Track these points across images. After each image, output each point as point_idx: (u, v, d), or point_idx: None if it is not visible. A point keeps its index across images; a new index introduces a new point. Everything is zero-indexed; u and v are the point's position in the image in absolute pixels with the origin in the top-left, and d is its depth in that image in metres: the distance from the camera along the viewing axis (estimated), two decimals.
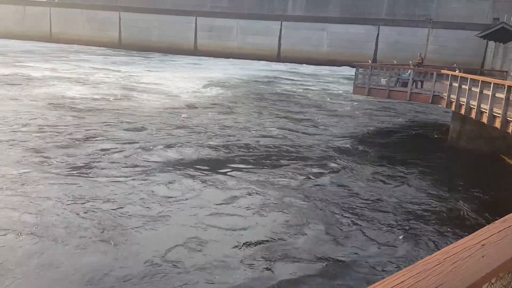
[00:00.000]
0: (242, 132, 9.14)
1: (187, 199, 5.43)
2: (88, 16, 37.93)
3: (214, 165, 6.95)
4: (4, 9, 39.67)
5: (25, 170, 5.91)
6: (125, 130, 8.72)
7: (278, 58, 34.36)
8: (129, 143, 7.82)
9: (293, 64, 31.48)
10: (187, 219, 4.91)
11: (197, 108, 11.27)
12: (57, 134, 7.79)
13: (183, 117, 10.24)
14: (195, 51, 35.62)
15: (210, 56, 33.78)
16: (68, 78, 13.66)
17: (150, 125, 9.20)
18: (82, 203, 5.05)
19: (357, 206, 5.65)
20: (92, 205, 4.98)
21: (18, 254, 3.89)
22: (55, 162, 6.30)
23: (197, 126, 9.46)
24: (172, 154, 7.41)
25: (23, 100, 9.89)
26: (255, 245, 4.40)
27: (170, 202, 5.27)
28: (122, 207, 4.99)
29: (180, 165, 6.86)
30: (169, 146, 7.83)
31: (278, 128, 9.68)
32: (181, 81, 15.75)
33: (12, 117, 8.30)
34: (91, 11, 38.09)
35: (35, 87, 11.55)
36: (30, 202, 4.94)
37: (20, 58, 19.80)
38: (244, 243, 4.39)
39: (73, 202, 5.06)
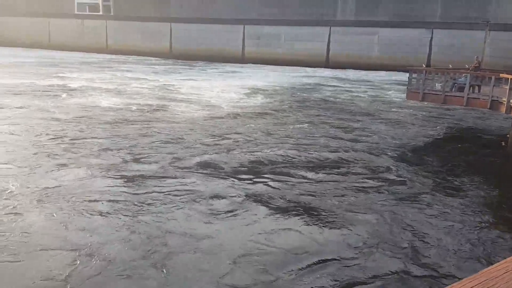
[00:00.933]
0: (292, 141, 8.67)
1: (249, 214, 5.22)
2: (141, 28, 39.38)
3: (266, 175, 6.71)
4: (66, 23, 42.01)
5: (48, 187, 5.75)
6: (160, 141, 8.20)
7: (327, 63, 34.06)
8: (168, 154, 7.39)
9: (341, 69, 31.05)
10: (245, 235, 4.74)
11: (239, 117, 10.66)
12: (85, 146, 7.60)
13: (225, 127, 9.59)
14: (242, 59, 35.99)
15: (257, 63, 34.03)
16: (106, 89, 13.72)
17: (187, 136, 8.65)
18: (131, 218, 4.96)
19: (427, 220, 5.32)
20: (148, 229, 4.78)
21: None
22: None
23: (241, 136, 8.81)
24: (218, 168, 6.86)
25: (54, 111, 9.96)
26: (323, 268, 4.17)
27: (228, 217, 5.07)
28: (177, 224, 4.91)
29: (233, 176, 6.51)
30: (212, 160, 7.20)
31: (331, 138, 9.11)
32: (222, 90, 15.38)
33: (41, 128, 8.35)
34: (144, 23, 39.53)
35: (70, 97, 11.73)
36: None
37: (67, 69, 20.42)
38: (309, 265, 4.18)
39: (115, 213, 5.06)
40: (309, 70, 29.32)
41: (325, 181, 6.44)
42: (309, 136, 9.26)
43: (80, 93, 12.39)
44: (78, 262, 3.86)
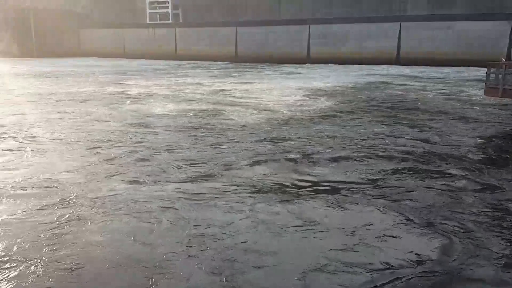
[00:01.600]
0: (367, 144, 7.59)
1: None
2: (208, 33, 40.33)
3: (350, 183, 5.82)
4: (138, 32, 44.17)
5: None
6: (213, 147, 7.28)
7: (397, 60, 32.68)
8: (224, 166, 6.21)
9: (413, 66, 29.62)
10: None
11: (302, 121, 9.48)
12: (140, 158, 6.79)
13: (292, 132, 8.36)
14: (308, 59, 35.55)
15: (323, 63, 33.43)
16: (163, 95, 13.31)
17: (240, 144, 7.48)
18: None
19: None
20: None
21: None
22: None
23: (306, 142, 7.69)
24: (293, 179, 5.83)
25: (109, 119, 9.57)
26: None
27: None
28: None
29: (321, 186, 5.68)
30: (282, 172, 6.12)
31: (411, 139, 7.99)
32: (281, 93, 14.34)
33: (96, 136, 7.91)
34: (211, 28, 40.46)
35: (127, 104, 11.42)
36: None
37: (133, 76, 20.61)
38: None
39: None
40: (377, 68, 27.82)
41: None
42: (386, 137, 8.12)
43: (137, 100, 12.12)
44: None
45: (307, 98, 12.95)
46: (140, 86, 15.78)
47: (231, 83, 17.59)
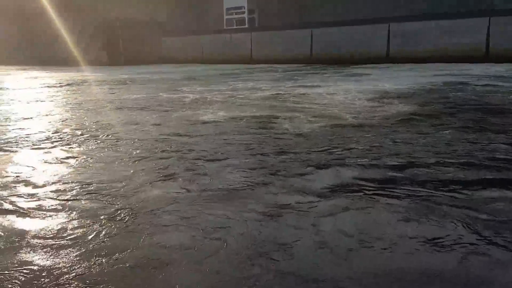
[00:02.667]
0: (454, 153, 6.04)
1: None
2: (283, 36, 40.18)
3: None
4: (216, 38, 45.28)
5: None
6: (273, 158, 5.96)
7: (486, 58, 30.06)
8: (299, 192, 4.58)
9: (504, 64, 27.00)
10: None
11: (366, 128, 7.85)
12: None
13: (350, 141, 6.83)
14: (387, 59, 33.97)
15: (403, 63, 31.77)
16: (217, 100, 12.52)
17: (305, 154, 6.11)
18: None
19: None
20: None
21: None
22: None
23: (380, 154, 6.05)
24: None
25: (154, 128, 8.83)
26: None
27: None
28: None
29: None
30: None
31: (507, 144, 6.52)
32: (345, 97, 12.91)
33: (146, 144, 7.20)
34: (286, 31, 40.28)
35: (179, 111, 10.89)
36: None
37: (199, 81, 20.28)
38: None
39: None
40: (457, 67, 25.53)
41: None
42: (474, 146, 6.43)
43: (191, 106, 11.68)
44: None
45: (376, 103, 11.22)
46: (199, 92, 15.38)
47: (300, 86, 16.31)
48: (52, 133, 8.22)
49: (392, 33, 34.27)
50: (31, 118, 10.03)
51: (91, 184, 4.91)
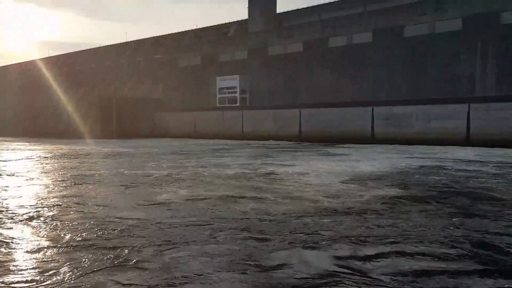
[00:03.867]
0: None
1: None
2: (273, 115, 41.66)
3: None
4: (208, 115, 46.78)
5: None
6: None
7: (467, 141, 31.21)
8: None
9: (485, 148, 27.97)
10: None
11: (343, 215, 7.54)
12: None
13: (333, 229, 6.53)
14: (372, 139, 35.08)
15: (387, 144, 32.77)
16: (185, 177, 12.20)
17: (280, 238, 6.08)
18: None
19: None
20: None
21: None
22: None
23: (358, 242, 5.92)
24: None
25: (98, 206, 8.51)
26: None
27: None
28: None
29: None
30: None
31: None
32: (318, 174, 12.64)
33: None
34: (276, 110, 41.86)
35: (138, 187, 10.63)
36: None
37: (189, 154, 20.74)
38: None
39: None
40: (439, 149, 26.26)
41: None
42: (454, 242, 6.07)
43: (156, 182, 11.44)
44: None
45: (352, 184, 10.91)
46: (172, 167, 14.89)
47: (278, 164, 16.20)
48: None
49: (376, 115, 35.73)
50: None
51: None
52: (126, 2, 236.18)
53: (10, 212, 8.01)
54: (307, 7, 51.68)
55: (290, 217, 7.49)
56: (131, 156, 20.92)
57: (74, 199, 9.33)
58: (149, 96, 54.47)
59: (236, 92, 48.83)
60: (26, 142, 37.43)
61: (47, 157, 20.69)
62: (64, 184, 11.56)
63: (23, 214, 7.85)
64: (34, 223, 7.17)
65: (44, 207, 8.49)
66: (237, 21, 56.95)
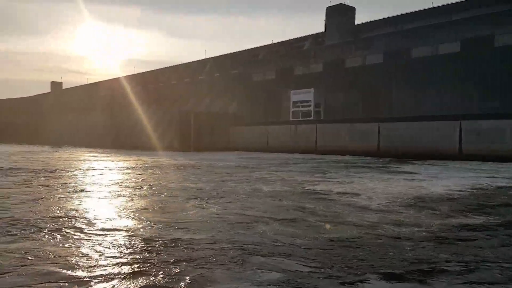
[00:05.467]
0: None
1: None
2: (348, 129, 40.00)
3: None
4: (281, 129, 46.22)
5: None
6: None
7: None
8: None
9: None
10: None
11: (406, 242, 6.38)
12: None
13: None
14: (459, 155, 32.10)
15: (476, 160, 29.73)
16: (239, 193, 11.24)
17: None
18: None
19: None
20: None
21: None
22: None
23: None
24: None
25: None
26: None
27: None
28: None
29: None
30: None
31: None
32: (375, 196, 11.01)
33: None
34: (352, 124, 40.15)
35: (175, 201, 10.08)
36: None
37: (250, 169, 20.15)
38: None
39: None
40: None
41: None
42: None
43: (196, 194, 10.89)
44: None
45: (411, 210, 9.06)
46: (224, 180, 14.26)
47: (324, 181, 14.78)
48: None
49: (464, 130, 32.73)
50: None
51: None
52: (206, 21, 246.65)
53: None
54: (387, 18, 49.63)
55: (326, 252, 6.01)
56: (195, 168, 20.91)
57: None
58: (225, 111, 55.31)
59: (310, 105, 47.82)
60: (113, 154, 39.37)
61: (132, 167, 21.31)
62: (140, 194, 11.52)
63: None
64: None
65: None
66: (313, 34, 56.24)
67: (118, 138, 60.15)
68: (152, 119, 54.25)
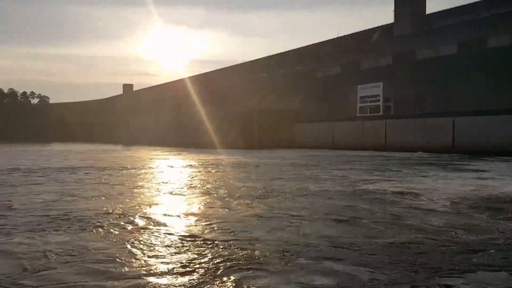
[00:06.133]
0: None
1: None
2: (420, 124, 37.63)
3: None
4: (347, 125, 44.60)
5: None
6: None
7: None
8: None
9: None
10: None
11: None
12: None
13: None
14: None
15: None
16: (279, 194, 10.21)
17: None
18: None
19: None
20: None
21: None
22: None
23: None
24: None
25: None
26: None
27: None
28: None
29: None
30: None
31: None
32: (446, 196, 9.71)
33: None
34: (424, 119, 37.75)
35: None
36: None
37: (303, 167, 19.09)
38: None
39: None
40: None
41: None
42: None
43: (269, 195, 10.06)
44: None
45: (479, 213, 7.74)
46: (277, 179, 13.45)
47: (384, 180, 13.28)
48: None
49: None
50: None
51: None
52: (270, 17, 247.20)
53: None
54: (462, 6, 46.18)
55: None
56: (250, 167, 20.31)
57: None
58: (289, 108, 54.52)
59: (378, 100, 45.68)
60: (181, 152, 40.12)
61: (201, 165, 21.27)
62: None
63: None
64: None
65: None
66: (381, 26, 53.82)
67: (183, 137, 61.53)
68: (215, 118, 54.86)
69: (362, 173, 16.15)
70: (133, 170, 17.72)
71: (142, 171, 17.50)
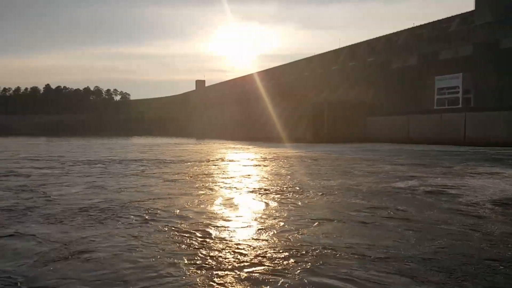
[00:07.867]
0: None
1: None
2: (505, 117, 35.12)
3: None
4: (424, 118, 42.73)
5: None
6: None
7: None
8: None
9: None
10: None
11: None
12: None
13: None
14: None
15: None
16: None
17: None
18: None
19: None
20: None
21: None
22: None
23: None
24: None
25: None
26: None
27: None
28: None
29: None
30: None
31: None
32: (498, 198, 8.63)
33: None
34: (509, 112, 35.18)
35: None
36: None
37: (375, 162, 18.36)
38: None
39: None
40: None
41: None
42: None
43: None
44: None
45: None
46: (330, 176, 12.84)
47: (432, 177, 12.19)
48: None
49: None
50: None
51: None
52: (340, 9, 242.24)
53: None
54: None
55: None
56: (315, 160, 20.02)
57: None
58: (360, 101, 53.26)
59: (458, 92, 43.25)
60: (252, 146, 40.90)
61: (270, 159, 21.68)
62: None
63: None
64: None
65: None
66: (460, 14, 50.74)
67: (252, 131, 62.44)
68: (284, 111, 55.03)
69: (411, 168, 15.13)
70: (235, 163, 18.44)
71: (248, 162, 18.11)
